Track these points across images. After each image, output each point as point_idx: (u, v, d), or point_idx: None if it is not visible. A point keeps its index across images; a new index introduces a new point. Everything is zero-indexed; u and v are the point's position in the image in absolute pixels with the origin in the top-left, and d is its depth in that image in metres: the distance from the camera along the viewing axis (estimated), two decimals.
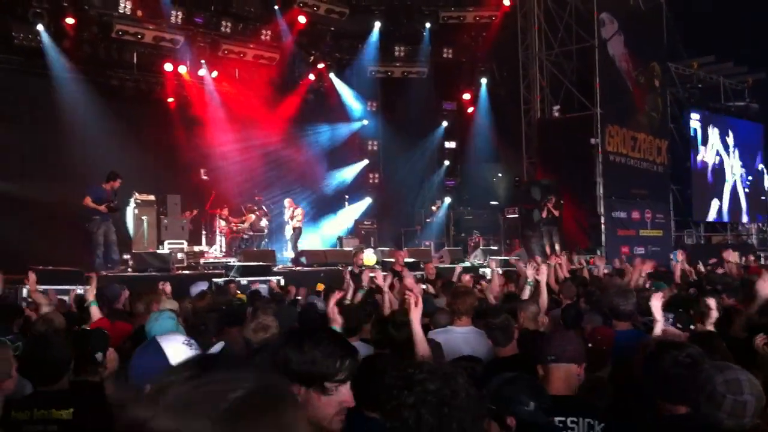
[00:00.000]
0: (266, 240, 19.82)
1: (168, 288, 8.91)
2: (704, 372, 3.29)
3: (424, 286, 8.93)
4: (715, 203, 26.60)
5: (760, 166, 29.03)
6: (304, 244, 20.35)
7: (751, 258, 12.21)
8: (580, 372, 4.00)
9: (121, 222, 17.14)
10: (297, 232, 19.45)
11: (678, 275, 10.07)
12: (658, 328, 4.97)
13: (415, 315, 4.52)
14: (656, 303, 5.08)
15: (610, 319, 5.89)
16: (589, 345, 4.84)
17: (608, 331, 5.56)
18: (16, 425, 3.67)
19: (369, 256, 16.74)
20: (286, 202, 19.94)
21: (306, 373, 2.45)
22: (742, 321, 5.61)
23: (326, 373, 2.47)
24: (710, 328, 5.15)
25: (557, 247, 19.19)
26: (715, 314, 5.24)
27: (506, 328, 5.17)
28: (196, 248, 18.64)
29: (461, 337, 5.69)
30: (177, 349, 2.78)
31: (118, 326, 5.85)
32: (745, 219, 28.36)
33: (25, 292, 9.28)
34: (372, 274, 8.48)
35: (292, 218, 19.55)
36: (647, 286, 8.28)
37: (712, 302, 5.24)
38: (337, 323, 4.72)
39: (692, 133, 25.95)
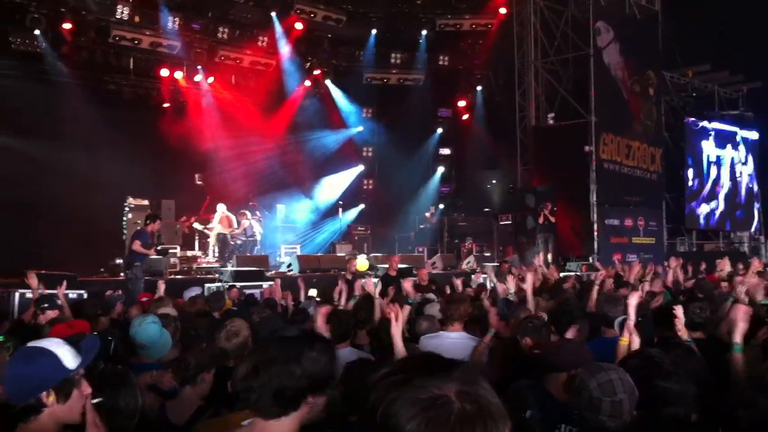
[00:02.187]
0: (259, 246, 19.84)
1: (162, 287, 9.00)
2: (578, 378, 3.38)
3: (431, 296, 8.96)
4: (707, 210, 26.67)
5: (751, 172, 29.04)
6: (298, 249, 20.42)
7: (740, 266, 12.24)
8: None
9: (118, 227, 17.24)
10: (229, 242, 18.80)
11: (670, 281, 10.17)
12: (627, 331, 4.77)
13: (396, 329, 4.56)
14: (633, 301, 4.97)
15: (599, 326, 5.92)
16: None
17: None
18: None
19: (362, 262, 16.76)
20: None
21: (314, 383, 2.51)
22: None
23: (328, 379, 2.58)
24: (682, 334, 5.07)
25: (550, 254, 19.27)
26: (681, 322, 5.11)
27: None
28: (189, 253, 18.66)
29: (450, 343, 5.73)
30: (65, 351, 2.78)
31: (76, 325, 5.71)
32: (756, 227, 28.57)
33: (17, 296, 9.28)
34: (364, 281, 8.55)
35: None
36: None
37: (678, 310, 5.17)
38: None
39: (687, 142, 26.03)
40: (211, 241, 18.79)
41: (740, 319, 4.54)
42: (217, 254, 18.71)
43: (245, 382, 2.47)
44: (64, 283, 8.37)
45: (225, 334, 5.02)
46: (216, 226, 18.61)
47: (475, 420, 1.39)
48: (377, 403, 1.44)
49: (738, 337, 4.48)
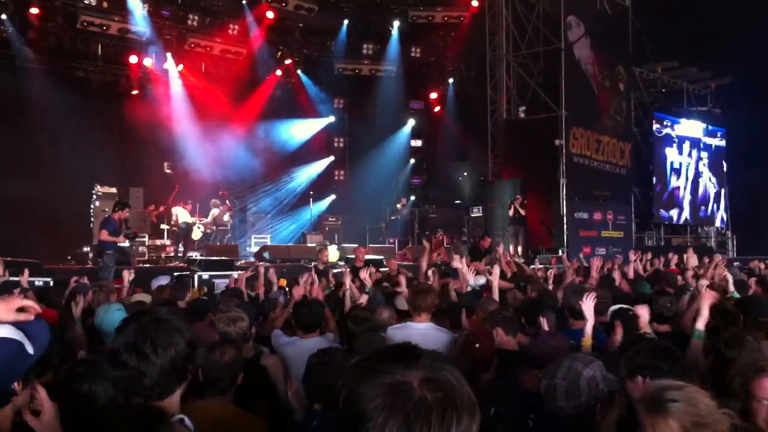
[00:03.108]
0: (229, 235, 19.74)
1: (129, 277, 8.88)
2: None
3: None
4: (675, 205, 26.93)
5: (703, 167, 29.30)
6: (268, 239, 20.34)
7: (706, 260, 12.40)
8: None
9: (86, 215, 17.04)
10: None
11: (631, 274, 10.28)
12: (589, 328, 4.87)
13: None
14: (588, 304, 4.97)
15: (566, 318, 5.94)
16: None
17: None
18: None
19: (333, 253, 16.74)
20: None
21: (192, 348, 2.63)
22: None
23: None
24: (646, 329, 5.03)
25: (520, 247, 19.37)
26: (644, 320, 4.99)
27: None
28: (158, 242, 18.52)
29: (417, 333, 5.71)
30: (24, 338, 2.70)
31: (46, 314, 5.62)
32: (722, 223, 28.92)
33: None
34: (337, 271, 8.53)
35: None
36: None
37: (643, 310, 5.01)
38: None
39: (655, 137, 26.23)
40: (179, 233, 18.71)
41: (703, 305, 4.58)
42: (177, 244, 18.60)
43: (136, 371, 2.46)
44: (26, 271, 8.27)
45: (226, 319, 4.94)
46: (182, 215, 18.52)
47: (433, 408, 1.39)
48: (342, 387, 1.45)
49: (700, 324, 4.48)
